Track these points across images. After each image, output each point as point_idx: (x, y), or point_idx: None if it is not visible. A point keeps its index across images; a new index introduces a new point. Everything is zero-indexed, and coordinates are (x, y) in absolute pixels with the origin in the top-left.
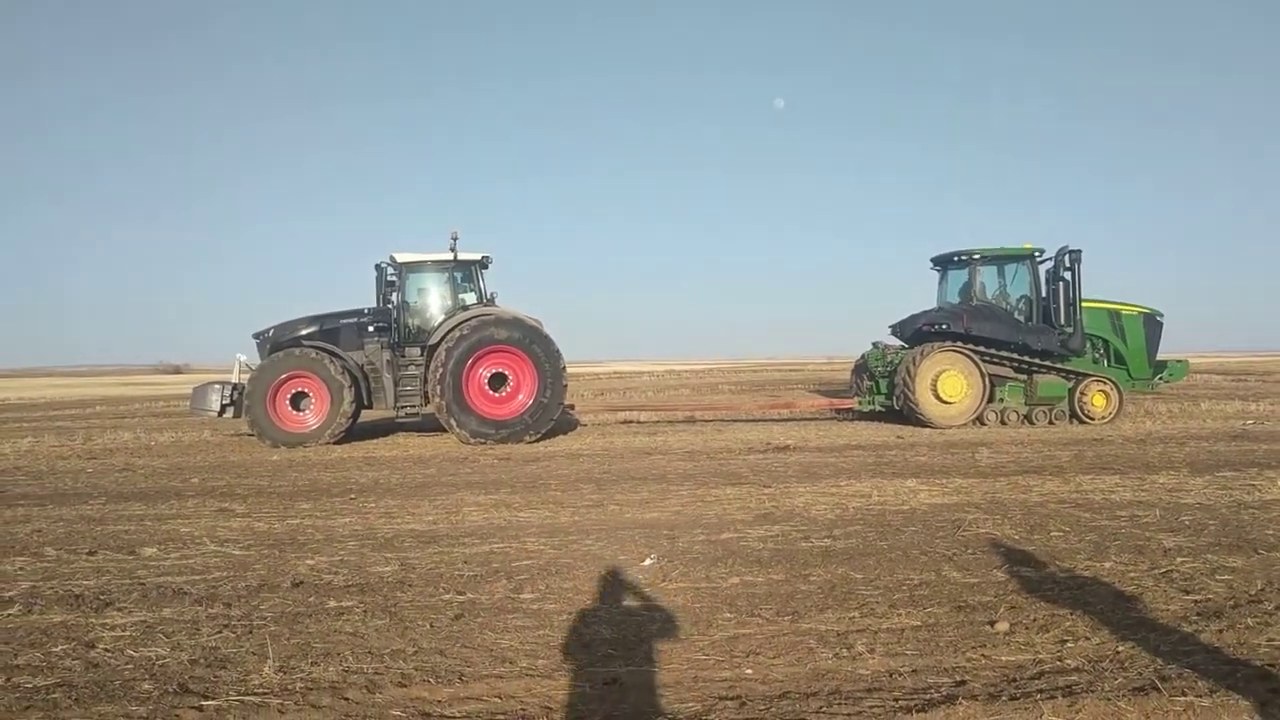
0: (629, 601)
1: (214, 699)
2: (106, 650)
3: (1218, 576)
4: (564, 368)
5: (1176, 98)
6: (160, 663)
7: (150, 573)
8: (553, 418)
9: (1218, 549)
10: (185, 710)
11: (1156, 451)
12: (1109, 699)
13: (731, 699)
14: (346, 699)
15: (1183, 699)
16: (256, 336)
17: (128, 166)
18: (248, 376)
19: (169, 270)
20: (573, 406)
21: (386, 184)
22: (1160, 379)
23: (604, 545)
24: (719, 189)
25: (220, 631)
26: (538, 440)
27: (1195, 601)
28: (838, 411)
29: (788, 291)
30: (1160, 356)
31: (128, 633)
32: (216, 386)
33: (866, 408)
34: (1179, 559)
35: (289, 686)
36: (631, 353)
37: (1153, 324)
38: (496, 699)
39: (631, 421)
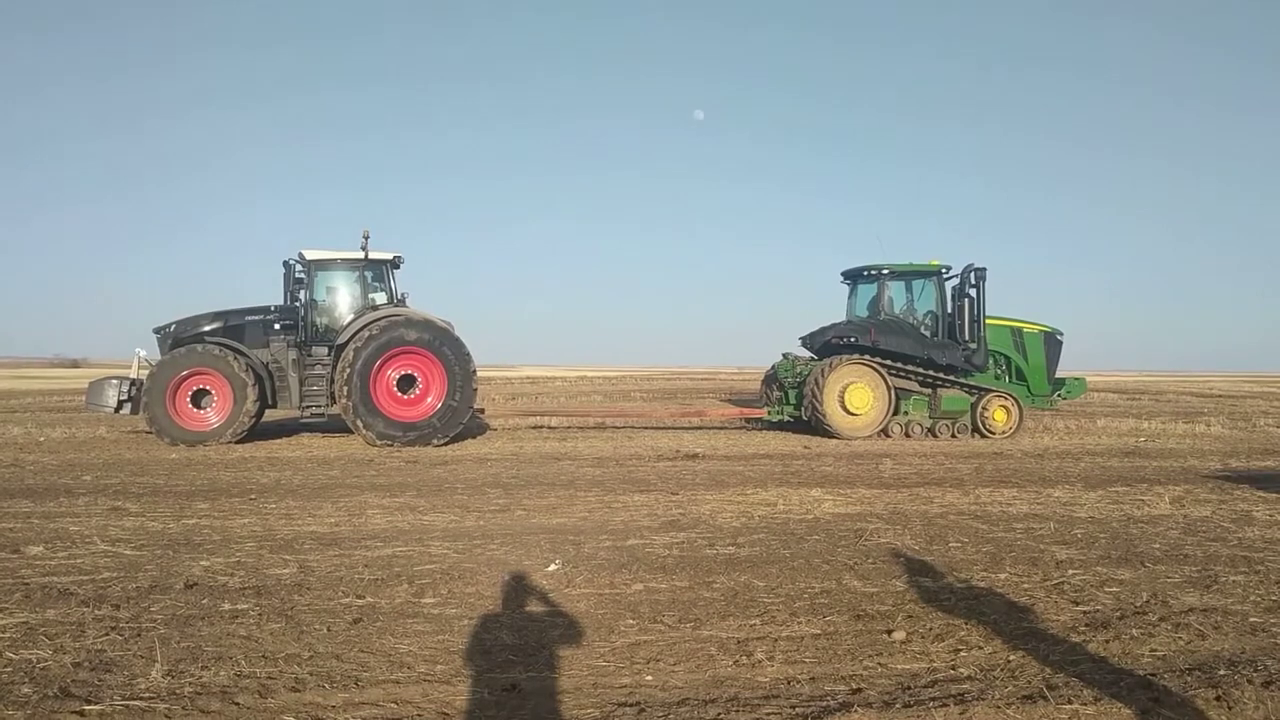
0: (532, 607)
1: (97, 703)
2: None
3: (1106, 588)
4: (474, 371)
5: (1083, 116)
6: (41, 665)
7: (35, 572)
8: (462, 421)
9: (1107, 562)
10: (65, 715)
11: (1053, 466)
12: (999, 707)
13: (630, 705)
14: (237, 704)
15: (1069, 707)
16: (157, 331)
17: (24, 154)
18: (147, 372)
19: (67, 260)
20: (483, 410)
21: (298, 181)
22: (1059, 396)
23: (509, 550)
24: (635, 194)
25: (107, 634)
26: (446, 444)
27: (1084, 612)
28: (747, 421)
29: (701, 300)
30: (1059, 374)
31: (7, 634)
32: (114, 382)
33: (775, 418)
34: (1070, 571)
35: (177, 691)
36: (545, 357)
37: (1053, 342)
38: (393, 704)
39: (542, 427)
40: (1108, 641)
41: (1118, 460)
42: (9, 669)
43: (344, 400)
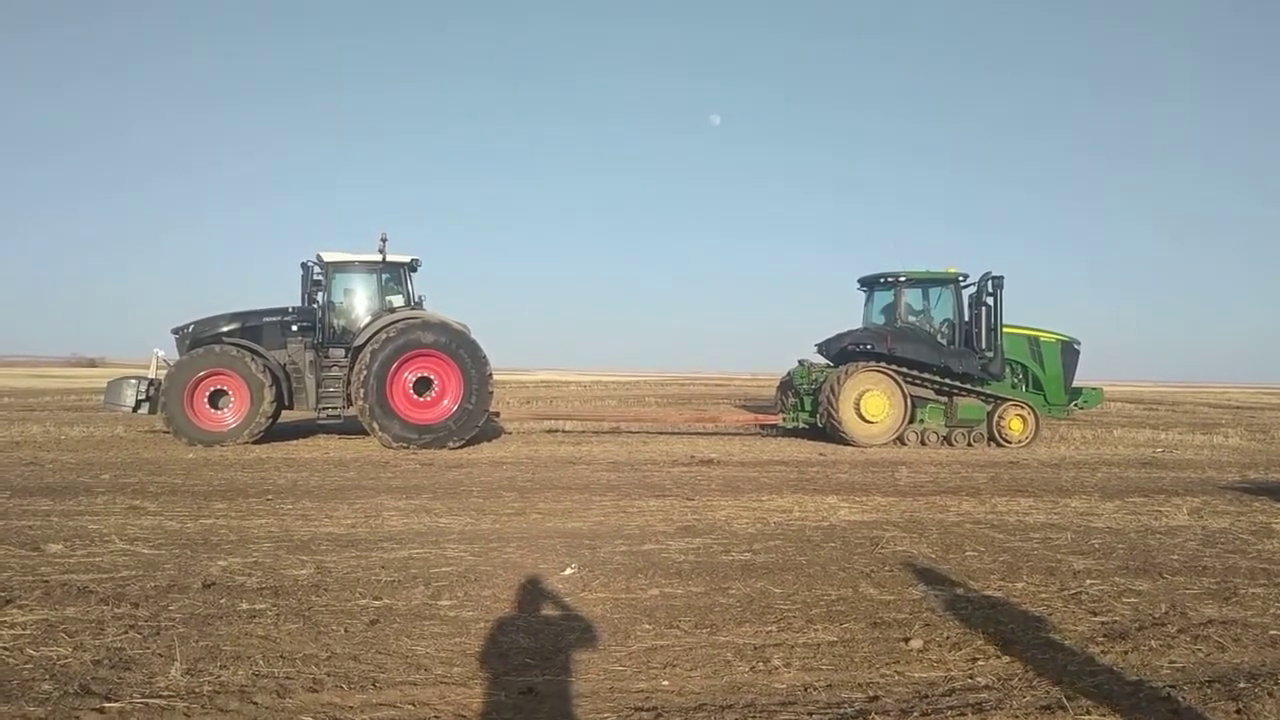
0: (548, 610)
1: (116, 701)
2: (4, 649)
3: (1124, 599)
4: (490, 374)
5: (1104, 126)
6: (61, 663)
7: (55, 570)
8: (477, 424)
9: (1125, 572)
10: (86, 712)
11: (1070, 476)
12: (1016, 717)
13: (647, 710)
14: (255, 703)
15: (1087, 718)
16: (176, 332)
17: (43, 154)
18: (165, 372)
19: (86, 260)
20: (498, 414)
21: (311, 181)
22: (1076, 405)
23: (525, 553)
24: (650, 198)
25: (126, 632)
26: (461, 446)
27: (1102, 623)
28: (762, 427)
29: (716, 305)
30: (1076, 384)
31: (28, 631)
32: (132, 381)
33: (791, 424)
34: (1088, 581)
35: (196, 689)
36: (560, 362)
37: (1070, 351)
38: (409, 706)
39: (557, 430)
40: (1126, 653)
41: (1135, 471)
42: (29, 666)
43: (360, 402)
